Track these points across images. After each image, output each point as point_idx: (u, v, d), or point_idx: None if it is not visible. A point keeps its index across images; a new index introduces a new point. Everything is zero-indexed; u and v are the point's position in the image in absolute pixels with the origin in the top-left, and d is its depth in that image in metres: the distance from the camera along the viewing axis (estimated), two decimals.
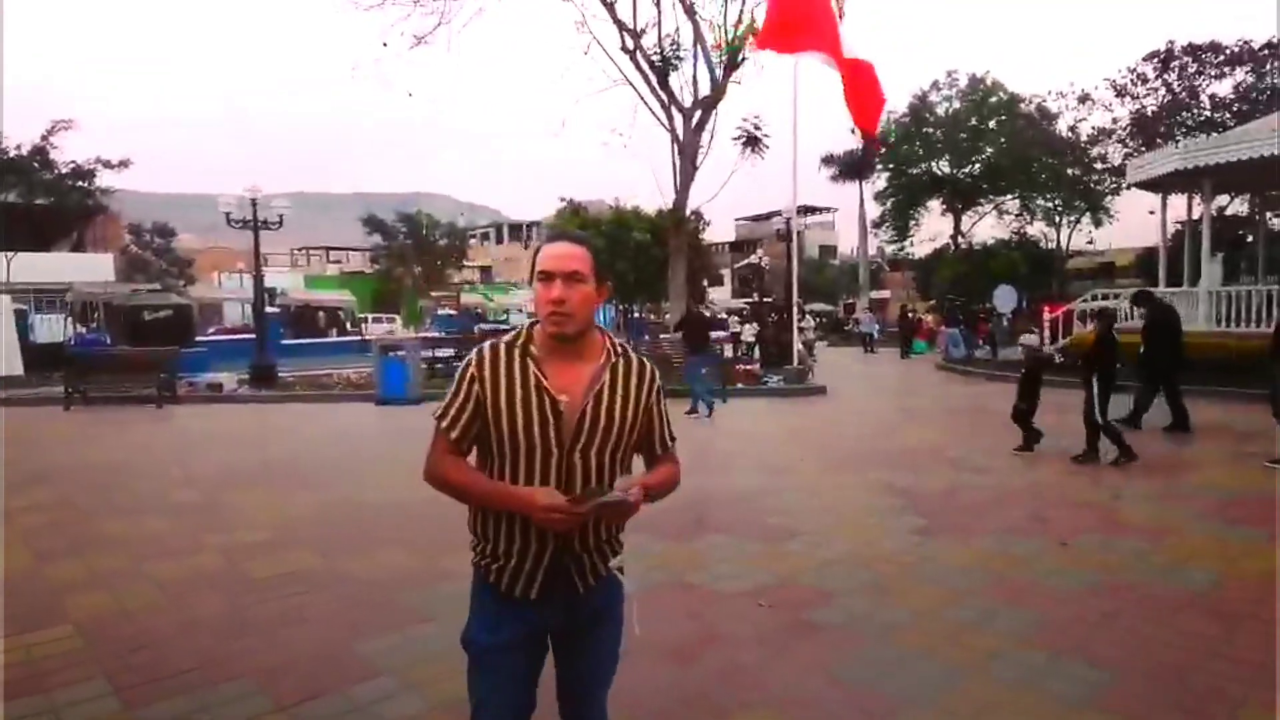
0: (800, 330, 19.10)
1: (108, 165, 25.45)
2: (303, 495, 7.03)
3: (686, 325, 13.43)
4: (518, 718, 1.96)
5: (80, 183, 25.39)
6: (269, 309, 23.05)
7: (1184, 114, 29.36)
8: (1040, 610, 4.11)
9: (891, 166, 40.97)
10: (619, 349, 1.93)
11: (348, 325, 38.66)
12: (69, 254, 33.00)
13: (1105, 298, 19.59)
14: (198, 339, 25.09)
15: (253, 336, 18.67)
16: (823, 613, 4.11)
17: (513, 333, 1.91)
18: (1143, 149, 26.74)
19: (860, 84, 14.16)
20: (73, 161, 25.07)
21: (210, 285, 41.69)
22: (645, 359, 1.98)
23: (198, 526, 5.98)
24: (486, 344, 1.89)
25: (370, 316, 40.30)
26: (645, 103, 17.62)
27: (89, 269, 31.46)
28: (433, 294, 40.50)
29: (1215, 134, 20.57)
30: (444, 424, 1.85)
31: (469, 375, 1.84)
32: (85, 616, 4.18)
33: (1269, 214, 24.63)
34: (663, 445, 2.00)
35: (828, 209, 63.86)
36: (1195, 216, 18.21)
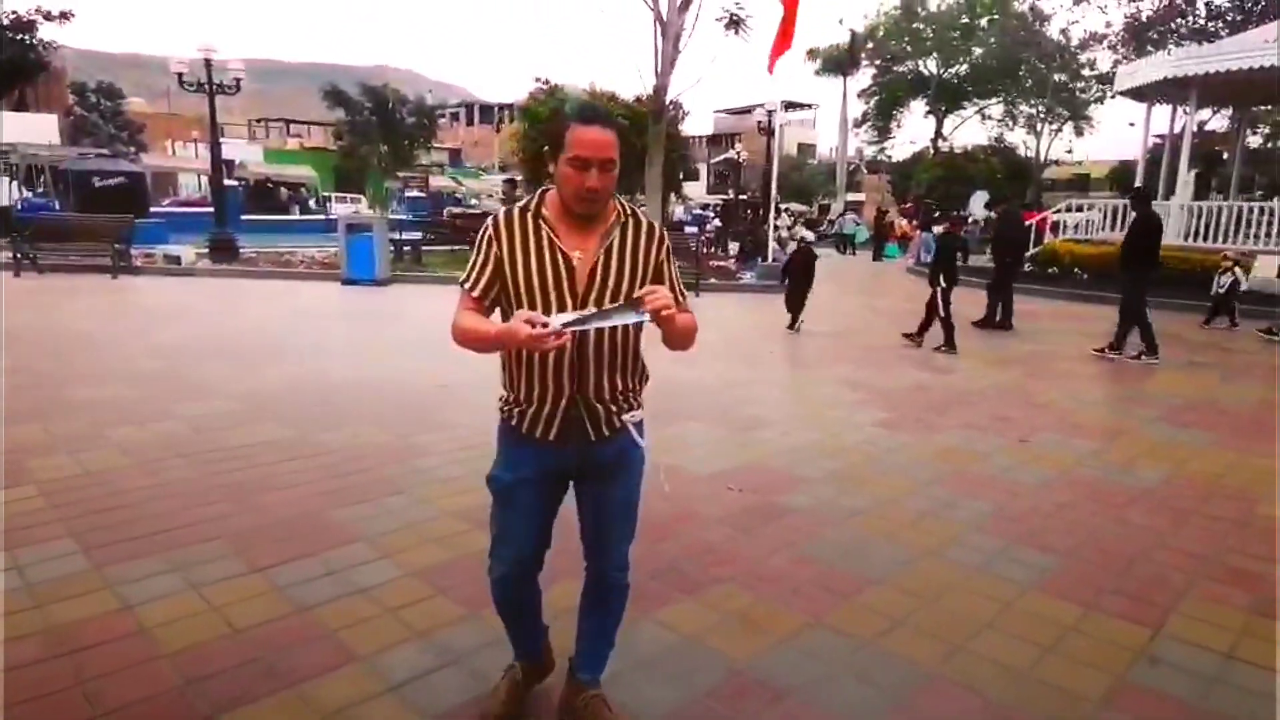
0: (775, 228, 18.91)
1: (48, 17, 23.73)
2: (271, 369, 6.93)
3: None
4: (532, 549, 2.15)
5: (21, 35, 23.65)
6: (227, 182, 22.11)
7: (1178, 20, 28.69)
8: (996, 501, 4.25)
9: (878, 63, 39.80)
10: (628, 210, 2.03)
11: (310, 204, 37.35)
12: (11, 113, 31.05)
13: (1079, 209, 19.63)
14: (152, 210, 24.08)
15: (210, 210, 17.95)
16: (790, 497, 4.21)
17: (525, 199, 2.02)
18: (1133, 56, 26.23)
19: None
20: (13, 12, 23.28)
21: (163, 154, 39.78)
22: (654, 222, 2.07)
23: (163, 396, 5.88)
24: (502, 210, 2.02)
25: (334, 195, 38.87)
26: None
27: (33, 130, 29.60)
28: (399, 175, 39.03)
29: (1207, 43, 20.17)
30: (467, 284, 1.99)
31: (487, 238, 1.97)
32: (48, 479, 4.12)
33: (1248, 131, 24.53)
34: (675, 301, 1.98)
35: (809, 105, 62.20)
36: (1177, 130, 18.09)
